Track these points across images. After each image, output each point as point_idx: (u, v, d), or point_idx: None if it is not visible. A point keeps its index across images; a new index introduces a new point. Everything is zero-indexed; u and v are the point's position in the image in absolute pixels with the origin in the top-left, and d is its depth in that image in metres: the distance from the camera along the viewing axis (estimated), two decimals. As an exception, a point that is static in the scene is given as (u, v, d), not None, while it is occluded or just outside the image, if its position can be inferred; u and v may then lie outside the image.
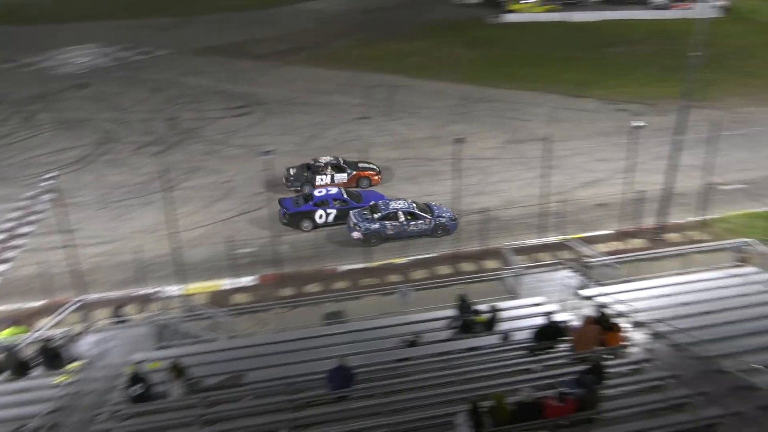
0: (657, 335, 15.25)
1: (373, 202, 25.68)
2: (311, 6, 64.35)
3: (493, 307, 16.77)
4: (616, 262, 21.03)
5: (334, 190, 26.37)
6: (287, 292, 22.03)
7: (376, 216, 24.62)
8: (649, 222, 25.09)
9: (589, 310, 16.12)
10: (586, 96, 39.19)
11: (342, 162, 28.96)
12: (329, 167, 28.50)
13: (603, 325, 14.85)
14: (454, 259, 23.53)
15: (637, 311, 16.40)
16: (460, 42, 50.98)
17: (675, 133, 24.33)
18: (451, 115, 37.04)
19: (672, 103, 34.02)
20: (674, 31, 49.28)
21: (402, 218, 24.73)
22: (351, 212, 25.17)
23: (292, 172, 28.64)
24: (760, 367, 13.00)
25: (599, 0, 58.84)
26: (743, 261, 21.22)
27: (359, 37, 53.80)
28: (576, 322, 15.75)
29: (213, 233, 25.24)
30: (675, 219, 25.48)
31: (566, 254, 22.70)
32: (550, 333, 15.21)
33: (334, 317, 19.69)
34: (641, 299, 17.52)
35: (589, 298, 17.76)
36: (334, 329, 17.75)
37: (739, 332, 15.10)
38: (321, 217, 25.48)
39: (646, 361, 14.36)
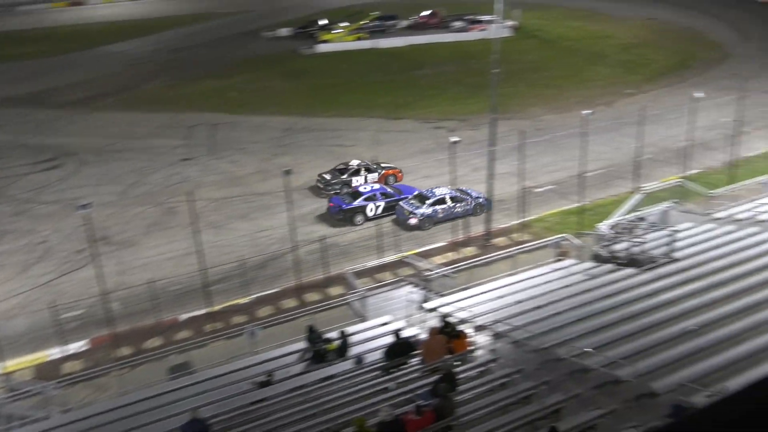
0: (498, 335, 16.14)
1: (417, 192, 28.25)
2: (113, 49, 61.18)
3: (342, 332, 16.81)
4: (453, 272, 22.06)
5: (376, 186, 28.98)
6: (125, 351, 20.53)
7: (426, 203, 27.07)
8: (477, 230, 26.64)
9: (433, 322, 16.69)
10: (404, 117, 40.97)
11: (371, 164, 31.38)
12: (362, 169, 30.53)
13: (448, 333, 15.43)
14: (298, 291, 23.35)
15: (477, 315, 17.27)
16: (277, 75, 51.19)
17: (488, 144, 26.15)
18: (276, 147, 36.95)
19: (481, 117, 36.67)
20: (474, 52, 53.22)
21: (449, 202, 27.47)
22: (400, 203, 27.77)
23: (327, 177, 30.29)
24: (590, 349, 14.19)
25: (403, 27, 62.06)
26: (563, 255, 23.20)
27: (171, 77, 52.11)
28: (423, 335, 16.23)
29: (33, 300, 22.93)
30: (499, 224, 27.29)
31: (406, 271, 23.44)
32: (400, 350, 15.53)
33: (181, 369, 18.65)
34: (480, 303, 18.49)
35: (432, 309, 18.40)
36: (182, 382, 16.78)
37: (568, 320, 16.41)
38: (371, 210, 27.73)
39: (492, 361, 15.14)
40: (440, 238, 26.53)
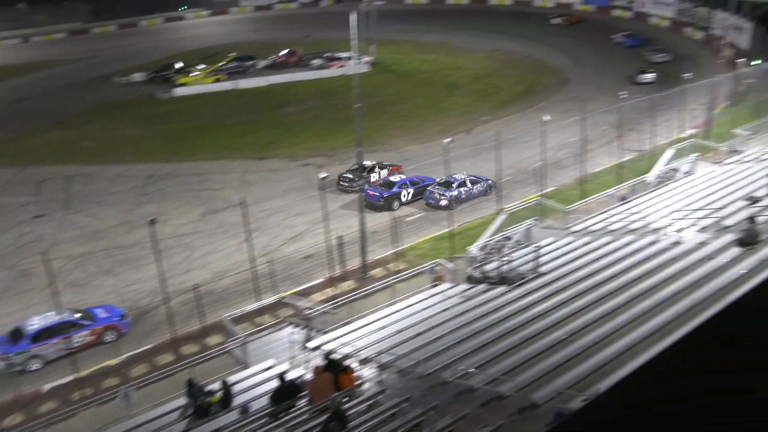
0: (383, 366, 16.25)
1: (442, 179, 32.58)
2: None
3: (224, 382, 16.24)
4: (333, 308, 22.04)
5: (403, 176, 33.77)
6: (-20, 435, 18.62)
7: (453, 186, 31.97)
8: (354, 263, 26.84)
9: (318, 360, 16.55)
10: (271, 156, 40.75)
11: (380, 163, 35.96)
12: (377, 167, 34.97)
13: (334, 370, 15.35)
14: (174, 344, 22.32)
15: (361, 349, 17.32)
16: (134, 121, 49.21)
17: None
18: (139, 197, 35.42)
19: (348, 151, 37.29)
20: (336, 88, 54.11)
21: (469, 185, 32.43)
22: (429, 188, 32.52)
23: (350, 176, 34.28)
24: (473, 369, 14.63)
25: (262, 67, 62.00)
26: (438, 280, 23.89)
27: (14, 129, 48.60)
28: (309, 375, 16.03)
29: None
30: (375, 255, 27.68)
31: (286, 311, 23.12)
32: (286, 393, 15.22)
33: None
34: (363, 336, 18.58)
35: (316, 348, 18.25)
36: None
37: (449, 343, 16.85)
38: (405, 195, 32.49)
39: (380, 393, 15.19)
40: (318, 274, 26.47)
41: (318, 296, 24.60)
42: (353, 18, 28.24)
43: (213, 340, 22.48)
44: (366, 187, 32.49)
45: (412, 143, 42.34)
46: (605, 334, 15.09)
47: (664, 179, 30.28)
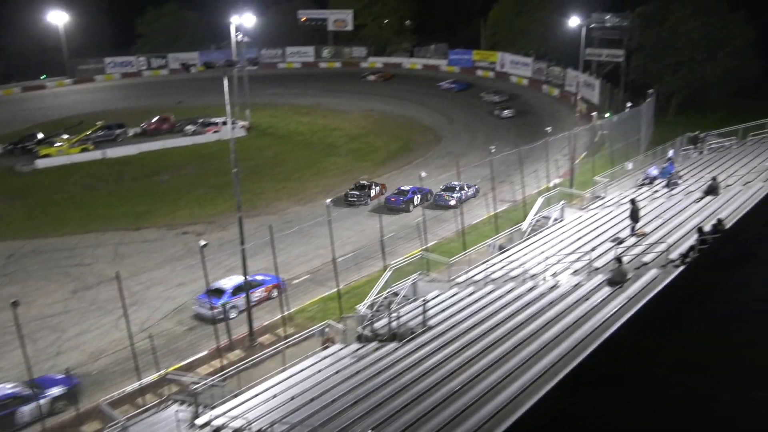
0: (279, 436, 15.76)
1: (443, 185, 41.32)
2: None
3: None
4: (222, 380, 21.21)
5: (410, 187, 41.26)
6: None
7: (456, 189, 40.32)
8: (241, 331, 26.08)
9: (209, 437, 15.81)
10: (146, 226, 39.21)
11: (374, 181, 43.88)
12: (372, 184, 42.75)
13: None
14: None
15: (253, 421, 16.72)
16: (-10, 197, 45.88)
17: (240, 243, 26.12)
18: (-1, 277, 32.80)
19: (229, 217, 36.66)
20: (213, 153, 53.45)
21: (466, 188, 40.83)
22: (437, 193, 40.97)
23: (356, 193, 41.54)
24: (369, 431, 14.50)
25: (133, 135, 60.13)
26: (328, 341, 23.70)
27: None
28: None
29: None
30: (262, 321, 27.07)
31: (171, 388, 21.96)
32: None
33: None
34: (254, 407, 17.96)
35: (205, 425, 17.43)
36: None
37: (345, 405, 16.64)
38: (416, 200, 40.29)
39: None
40: (203, 346, 25.46)
41: (204, 369, 23.61)
42: (226, 83, 28.27)
43: (89, 428, 20.89)
44: (387, 195, 41.39)
45: (294, 205, 42.32)
46: (497, 380, 15.51)
47: (537, 227, 32.07)
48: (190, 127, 60.43)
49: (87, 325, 27.56)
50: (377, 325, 22.48)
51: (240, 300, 27.17)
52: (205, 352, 25.04)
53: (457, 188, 40.35)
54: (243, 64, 63.77)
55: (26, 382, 21.56)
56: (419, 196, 40.57)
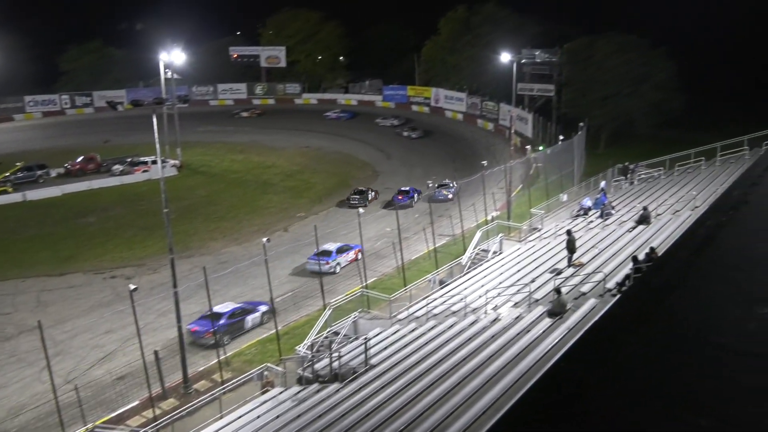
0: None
1: (437, 183, 49.35)
2: None
3: None
4: (154, 431, 20.44)
5: (409, 188, 49.91)
6: None
7: (449, 186, 48.64)
8: (175, 378, 25.27)
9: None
10: (72, 271, 37.80)
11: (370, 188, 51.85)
12: (369, 189, 50.72)
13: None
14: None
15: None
16: None
17: (172, 286, 25.47)
18: None
19: (161, 259, 35.84)
20: (142, 193, 52.31)
21: (452, 185, 48.58)
22: (436, 190, 47.57)
23: (357, 197, 48.49)
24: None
25: (57, 176, 58.28)
26: (268, 385, 23.23)
27: None
28: None
29: None
30: (197, 367, 26.31)
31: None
32: None
33: None
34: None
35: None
36: None
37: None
38: (416, 198, 48.19)
39: None
40: (134, 396, 24.50)
41: (136, 421, 22.69)
42: (155, 121, 27.87)
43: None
44: (394, 197, 48.80)
45: (229, 245, 41.69)
46: (442, 417, 15.49)
47: (477, 260, 32.57)
48: (117, 167, 59.09)
49: (6, 379, 26.15)
50: (318, 366, 22.20)
51: (344, 257, 36.44)
52: (136, 402, 24.09)
53: (450, 184, 48.92)
54: (173, 101, 63.04)
55: None
56: (417, 194, 48.93)
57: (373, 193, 50.41)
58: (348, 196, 49.85)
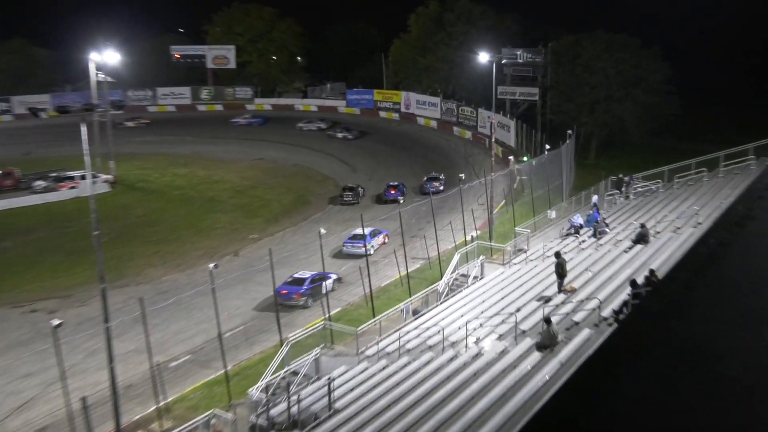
0: None
1: (426, 176, 58.68)
2: None
3: None
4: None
5: (395, 182, 57.39)
6: None
7: (439, 178, 57.19)
8: (105, 429, 24.70)
9: None
10: (-16, 305, 36.95)
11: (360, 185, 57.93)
12: (358, 186, 57.01)
13: None
14: None
15: None
16: None
17: (103, 321, 24.97)
18: None
19: (90, 289, 35.17)
20: (69, 213, 51.43)
21: (441, 178, 57.04)
22: (424, 183, 56.41)
23: (350, 193, 54.78)
24: None
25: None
26: (216, 434, 22.82)
27: None
28: None
29: None
30: (132, 416, 25.76)
31: None
32: None
33: None
34: None
35: None
36: None
37: None
38: (405, 193, 56.27)
39: None
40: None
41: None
42: (84, 130, 27.48)
43: None
44: (385, 191, 55.39)
45: (171, 271, 41.13)
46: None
47: (455, 286, 32.60)
48: (40, 183, 58.15)
49: None
50: (274, 411, 21.88)
51: (376, 240, 43.07)
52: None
53: (438, 177, 56.71)
54: (105, 107, 62.42)
55: None
56: (404, 188, 56.07)
57: (361, 189, 56.64)
58: (340, 193, 55.64)
